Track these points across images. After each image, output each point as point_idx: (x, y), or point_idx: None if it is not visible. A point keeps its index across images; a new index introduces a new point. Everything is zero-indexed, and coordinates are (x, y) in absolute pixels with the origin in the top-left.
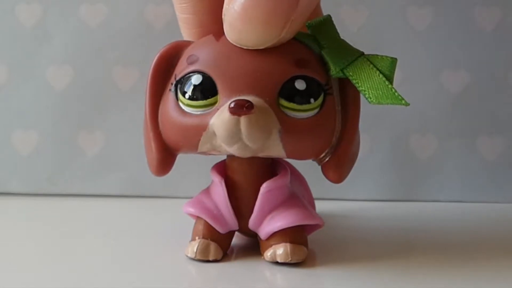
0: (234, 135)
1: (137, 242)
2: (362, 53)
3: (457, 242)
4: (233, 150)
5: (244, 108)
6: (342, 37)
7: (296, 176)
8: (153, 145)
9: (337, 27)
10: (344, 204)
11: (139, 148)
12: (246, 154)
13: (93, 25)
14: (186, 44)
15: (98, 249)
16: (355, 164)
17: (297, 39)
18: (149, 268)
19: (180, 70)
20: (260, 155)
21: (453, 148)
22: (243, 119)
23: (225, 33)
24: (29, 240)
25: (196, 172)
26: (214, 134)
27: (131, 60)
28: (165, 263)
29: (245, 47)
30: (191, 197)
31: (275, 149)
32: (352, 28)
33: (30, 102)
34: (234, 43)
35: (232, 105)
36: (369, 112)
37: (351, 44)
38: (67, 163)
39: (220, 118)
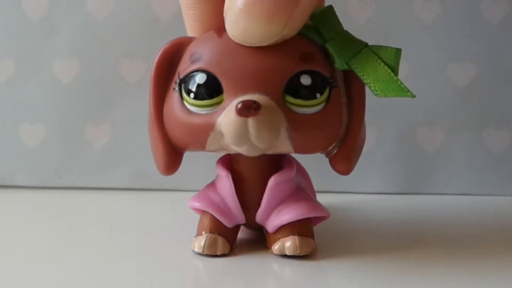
0: (243, 136)
1: (144, 235)
2: (366, 44)
3: (463, 235)
4: (242, 150)
5: (252, 109)
6: (346, 29)
7: (298, 168)
8: (160, 145)
9: (344, 20)
10: (350, 197)
11: (146, 141)
12: (255, 154)
13: (99, 18)
14: (188, 41)
15: (104, 243)
16: (362, 157)
17: (299, 32)
18: (157, 262)
19: (184, 68)
20: (268, 152)
21: (460, 141)
22: (250, 120)
23: (227, 31)
24: (35, 233)
25: (203, 165)
26: (221, 134)
27: (138, 53)
28: (173, 257)
29: (247, 45)
30: (198, 190)
31: (283, 146)
32: (359, 21)
33: (37, 95)
34: (237, 41)
35: (239, 106)
36: (376, 105)
37: (357, 37)
38: (74, 156)
39: (227, 118)
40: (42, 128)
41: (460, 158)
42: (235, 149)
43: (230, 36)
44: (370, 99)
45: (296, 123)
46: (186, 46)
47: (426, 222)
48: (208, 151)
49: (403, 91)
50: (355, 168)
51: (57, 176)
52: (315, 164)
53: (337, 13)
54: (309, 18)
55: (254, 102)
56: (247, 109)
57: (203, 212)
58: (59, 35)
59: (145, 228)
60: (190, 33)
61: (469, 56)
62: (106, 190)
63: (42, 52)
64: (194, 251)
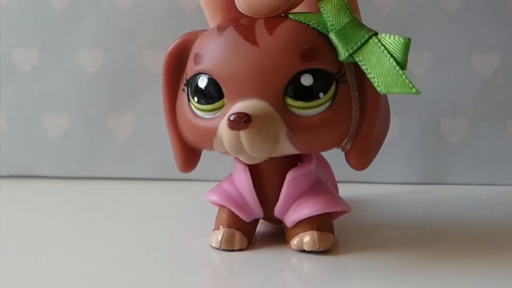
0: (238, 148)
1: (167, 226)
2: (375, 33)
3: (489, 226)
4: (242, 159)
5: (242, 123)
6: (369, 19)
7: (319, 160)
8: (174, 144)
9: (367, 10)
10: (373, 187)
11: None
12: (255, 162)
13: (124, 8)
14: (193, 37)
15: (126, 233)
16: (386, 147)
17: (305, 23)
18: (176, 254)
19: (189, 68)
20: (273, 156)
21: (484, 131)
22: (242, 134)
23: (236, 3)
24: (59, 222)
25: None
26: (222, 140)
27: (162, 43)
28: (193, 250)
29: (256, 16)
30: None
31: (286, 150)
32: (382, 12)
33: (61, 85)
34: (245, 13)
35: (231, 118)
36: (399, 95)
37: (381, 27)
38: (98, 146)
39: (223, 128)
40: (66, 118)
41: (485, 148)
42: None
43: (239, 8)
44: None
45: (297, 127)
46: (193, 44)
47: (450, 214)
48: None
49: (408, 87)
50: (379, 157)
51: (81, 166)
52: (337, 155)
53: (361, 3)
54: (318, 7)
55: (245, 114)
56: (237, 123)
57: (220, 206)
58: (83, 25)
59: (168, 219)
60: (211, 21)
61: (493, 45)
62: (129, 180)
63: (66, 42)
64: (211, 245)
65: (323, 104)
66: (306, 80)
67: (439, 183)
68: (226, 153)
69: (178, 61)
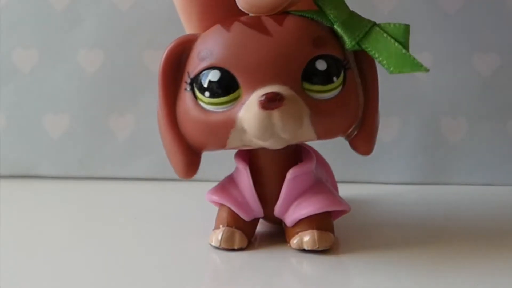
0: (268, 130)
1: (167, 226)
2: (374, 23)
3: (489, 226)
4: (267, 144)
5: (276, 101)
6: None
7: (319, 160)
8: (176, 149)
9: (367, 10)
10: (374, 187)
11: None
12: (280, 146)
13: (124, 8)
14: (193, 38)
15: (125, 233)
16: (386, 147)
17: (309, 17)
18: (176, 255)
19: (193, 67)
20: (292, 143)
21: (484, 131)
22: (276, 113)
23: (237, 3)
24: (59, 222)
25: (227, 154)
26: (243, 130)
27: (162, 43)
28: (193, 250)
29: (255, 14)
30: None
31: (307, 134)
32: (382, 12)
33: (61, 85)
34: (245, 10)
35: (262, 99)
36: (399, 95)
37: None
38: (98, 146)
39: (249, 113)
40: (66, 118)
41: (484, 148)
42: (259, 143)
43: (239, 7)
44: (394, 89)
45: (317, 110)
46: (193, 44)
47: (450, 214)
48: (228, 149)
49: (417, 66)
50: (379, 157)
51: (81, 166)
52: (337, 154)
53: (361, 3)
54: (314, 3)
55: (277, 93)
56: (272, 102)
57: (221, 205)
58: (83, 25)
59: (168, 219)
60: (186, 26)
61: (493, 45)
62: (129, 180)
63: (66, 42)
64: (211, 244)
65: (336, 88)
66: (321, 65)
67: (439, 183)
68: (240, 147)
69: (176, 63)
